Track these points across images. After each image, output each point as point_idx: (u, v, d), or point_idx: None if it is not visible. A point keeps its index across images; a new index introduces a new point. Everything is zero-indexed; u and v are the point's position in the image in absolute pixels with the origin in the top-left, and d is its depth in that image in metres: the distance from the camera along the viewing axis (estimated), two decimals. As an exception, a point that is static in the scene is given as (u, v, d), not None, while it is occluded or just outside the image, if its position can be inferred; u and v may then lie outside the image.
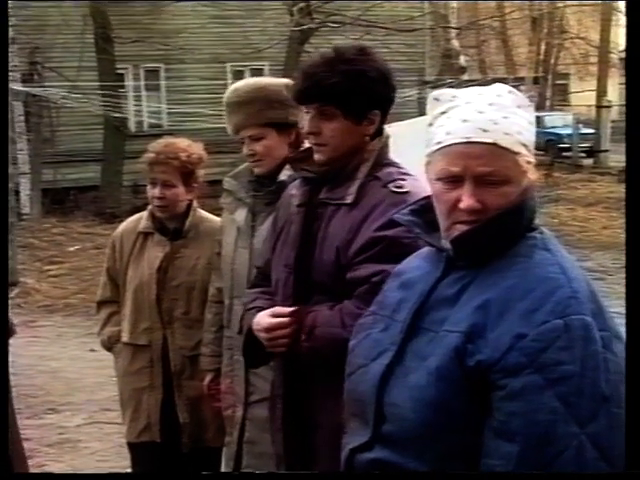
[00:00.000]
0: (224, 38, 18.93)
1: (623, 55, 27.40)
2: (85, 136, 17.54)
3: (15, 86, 13.97)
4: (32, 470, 3.53)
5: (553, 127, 25.19)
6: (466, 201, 1.66)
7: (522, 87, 24.03)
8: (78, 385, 6.94)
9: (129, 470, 3.75)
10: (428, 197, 1.80)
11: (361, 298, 2.20)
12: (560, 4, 28.06)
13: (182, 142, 3.46)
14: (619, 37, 29.74)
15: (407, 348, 1.70)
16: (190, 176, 3.43)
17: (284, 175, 2.87)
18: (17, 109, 15.30)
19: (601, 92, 26.21)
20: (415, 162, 2.06)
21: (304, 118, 2.41)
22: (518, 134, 1.69)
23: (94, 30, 16.67)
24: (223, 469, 3.28)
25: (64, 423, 6.04)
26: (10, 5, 11.00)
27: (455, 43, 17.85)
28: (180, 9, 18.74)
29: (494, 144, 1.66)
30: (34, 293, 10.73)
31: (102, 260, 3.78)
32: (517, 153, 1.68)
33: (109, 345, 3.61)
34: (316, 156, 2.40)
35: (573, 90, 35.55)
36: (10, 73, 11.01)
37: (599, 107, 25.15)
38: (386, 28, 16.90)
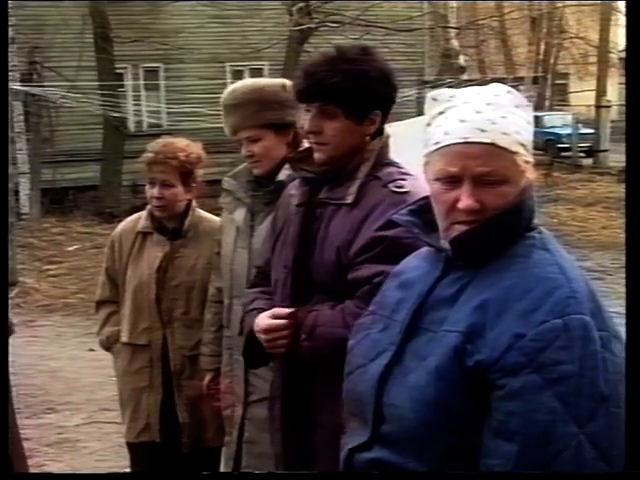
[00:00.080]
0: (223, 38, 18.93)
1: (622, 55, 27.46)
2: (84, 136, 17.54)
3: (14, 86, 13.96)
4: (31, 470, 3.52)
5: (552, 127, 25.20)
6: (465, 201, 1.66)
7: (521, 87, 24.02)
8: (77, 385, 6.94)
9: (128, 470, 3.75)
10: (427, 197, 1.80)
11: (363, 299, 2.19)
12: (559, 4, 28.05)
13: (181, 142, 3.46)
14: (618, 37, 29.76)
15: (406, 348, 1.70)
16: (189, 176, 3.43)
17: (283, 175, 2.87)
18: (16, 109, 15.30)
19: (600, 92, 26.22)
20: (414, 162, 2.06)
21: (305, 117, 2.41)
22: (516, 134, 1.69)
23: (93, 30, 16.68)
24: (222, 469, 3.28)
25: (63, 423, 6.04)
26: (9, 5, 11.00)
27: (454, 43, 17.85)
28: (179, 9, 18.75)
29: (492, 144, 1.66)
30: (33, 293, 10.73)
31: (101, 260, 3.78)
32: (515, 153, 1.68)
33: (108, 345, 3.61)
34: (316, 155, 2.39)
35: (572, 90, 35.56)
36: (9, 73, 11.01)
37: (598, 107, 25.16)
38: (385, 28, 16.90)
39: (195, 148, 3.47)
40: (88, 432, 5.82)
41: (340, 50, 2.36)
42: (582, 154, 24.20)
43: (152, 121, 18.62)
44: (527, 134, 1.72)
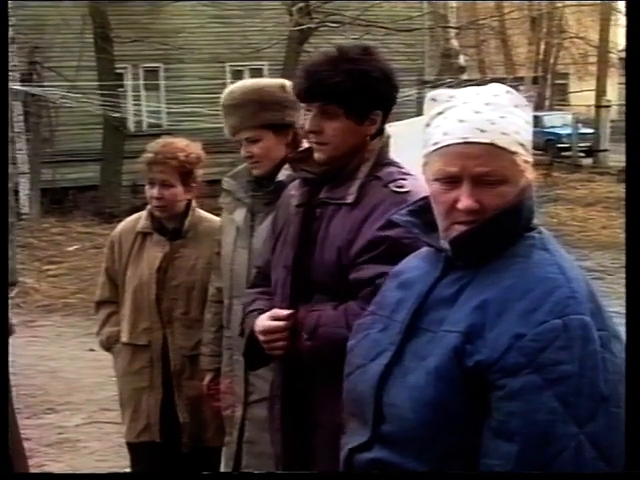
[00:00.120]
0: (223, 38, 18.93)
1: (622, 55, 27.43)
2: (84, 136, 17.54)
3: (14, 86, 13.96)
4: (31, 470, 3.52)
5: (552, 127, 25.20)
6: (464, 201, 1.66)
7: (521, 87, 24.03)
8: (77, 385, 6.94)
9: (128, 470, 3.75)
10: (426, 197, 1.80)
11: (366, 299, 2.18)
12: (559, 4, 28.04)
13: (180, 142, 3.46)
14: (618, 37, 29.75)
15: (406, 348, 1.70)
16: (188, 176, 3.43)
17: (282, 175, 2.87)
18: (16, 109, 15.30)
19: (600, 92, 26.21)
20: (414, 162, 2.06)
21: (305, 117, 2.41)
22: (515, 134, 1.69)
23: (93, 30, 16.68)
24: (223, 469, 3.28)
25: (63, 423, 6.04)
26: (10, 5, 11.00)
27: (454, 43, 17.86)
28: (179, 9, 18.75)
29: (491, 144, 1.66)
30: (33, 293, 10.73)
31: (101, 260, 3.77)
32: (514, 153, 1.68)
33: (108, 345, 3.60)
34: (316, 155, 2.39)
35: (572, 90, 35.54)
36: (9, 73, 11.01)
37: (598, 107, 25.16)
38: (385, 28, 16.90)
39: (195, 148, 3.47)
40: (88, 432, 5.82)
41: (342, 50, 2.35)
42: (582, 154, 24.21)
43: (152, 121, 18.63)
44: (526, 134, 1.72)
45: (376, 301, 1.89)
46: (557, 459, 1.52)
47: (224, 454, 3.25)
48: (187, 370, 3.43)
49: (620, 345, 1.62)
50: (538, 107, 27.45)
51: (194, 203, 3.53)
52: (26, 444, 3.40)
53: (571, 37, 32.18)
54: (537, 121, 22.15)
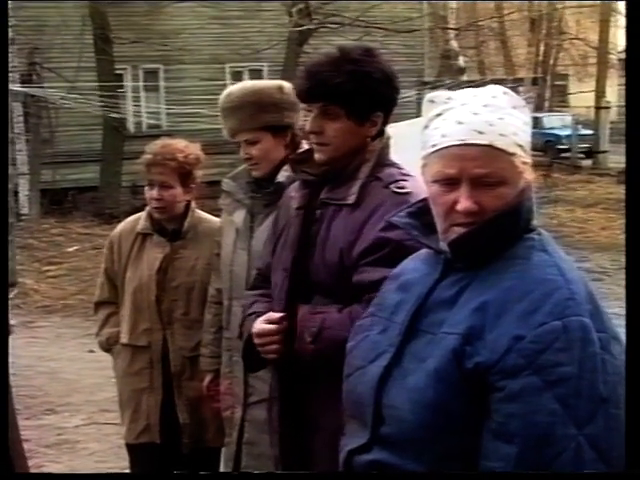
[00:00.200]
0: (223, 39, 18.95)
1: (622, 56, 27.44)
2: (84, 137, 17.56)
3: (14, 87, 13.96)
4: (30, 471, 3.52)
5: (552, 128, 25.20)
6: (463, 203, 1.66)
7: (521, 88, 24.02)
8: (77, 386, 6.94)
9: (127, 471, 3.75)
10: (425, 199, 1.80)
11: (370, 303, 2.18)
12: (559, 5, 28.05)
13: (179, 143, 3.46)
14: (618, 38, 29.75)
15: (405, 350, 1.70)
16: (188, 177, 3.43)
17: (282, 177, 2.87)
18: (16, 110, 15.30)
19: (600, 93, 26.20)
20: (414, 163, 2.06)
21: (305, 117, 2.40)
22: (514, 135, 1.69)
23: (93, 31, 16.69)
24: (222, 470, 3.28)
25: (63, 424, 6.04)
26: (10, 6, 11.00)
27: (454, 44, 17.88)
28: (179, 10, 18.75)
29: (490, 146, 1.66)
30: (33, 294, 10.74)
31: (101, 261, 3.77)
32: (513, 154, 1.68)
33: (107, 346, 3.60)
34: (317, 156, 2.39)
35: (572, 91, 35.56)
36: (9, 74, 11.00)
37: (598, 108, 25.17)
38: (385, 29, 16.91)
39: (194, 149, 3.47)
40: (87, 433, 5.82)
41: (343, 51, 2.35)
42: (581, 155, 24.22)
43: (152, 122, 18.64)
44: (525, 135, 1.72)
45: (375, 303, 1.89)
46: (556, 460, 1.52)
47: (224, 455, 3.25)
48: (187, 371, 3.43)
49: (619, 347, 1.62)
50: (538, 108, 27.47)
51: (193, 204, 3.53)
52: (25, 445, 3.40)
53: (571, 38, 32.18)
54: (537, 122, 22.16)
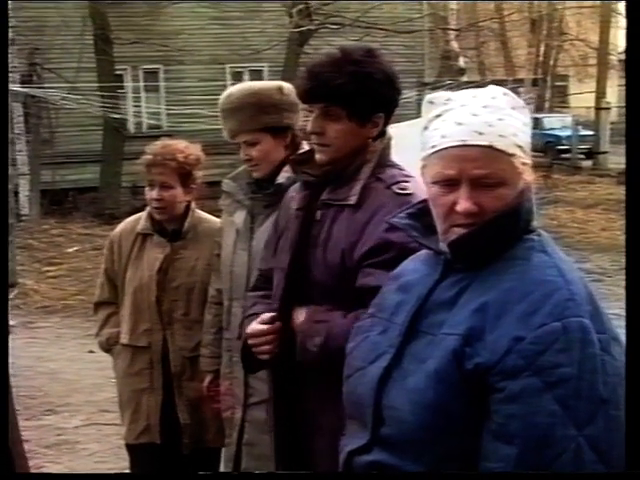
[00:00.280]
0: (223, 39, 18.95)
1: (622, 57, 27.43)
2: (84, 137, 17.56)
3: (14, 87, 13.96)
4: (30, 471, 3.52)
5: (552, 129, 25.20)
6: (463, 204, 1.66)
7: (521, 89, 24.05)
8: (77, 386, 6.94)
9: (127, 472, 3.75)
10: (425, 200, 1.80)
11: None
12: (559, 6, 28.05)
13: (179, 143, 3.46)
14: (618, 39, 29.74)
15: (405, 351, 1.70)
16: (188, 177, 3.43)
17: (282, 178, 2.87)
18: (16, 110, 15.31)
19: (600, 94, 26.21)
20: (414, 163, 2.06)
21: (307, 118, 2.40)
22: (513, 136, 1.69)
23: (93, 31, 16.70)
24: (222, 470, 3.28)
25: (62, 424, 6.03)
26: (10, 6, 11.00)
27: (454, 45, 17.90)
28: (179, 10, 18.76)
29: (489, 147, 1.66)
30: (33, 294, 10.73)
31: (101, 261, 3.77)
32: (512, 155, 1.68)
33: (107, 347, 3.60)
34: (318, 156, 2.39)
35: (572, 92, 35.53)
36: (9, 74, 11.01)
37: (598, 109, 25.17)
38: (385, 30, 16.91)
39: (194, 149, 3.47)
40: (87, 434, 5.81)
41: (345, 51, 2.34)
42: (582, 156, 24.22)
43: (152, 122, 18.65)
44: (524, 136, 1.72)
45: (375, 303, 1.89)
46: (556, 461, 1.52)
47: (224, 455, 3.25)
48: (187, 371, 3.43)
49: (619, 347, 1.62)
50: (538, 109, 27.48)
51: (194, 204, 3.53)
52: (25, 445, 3.40)
53: (571, 39, 32.18)
54: (537, 123, 22.17)
